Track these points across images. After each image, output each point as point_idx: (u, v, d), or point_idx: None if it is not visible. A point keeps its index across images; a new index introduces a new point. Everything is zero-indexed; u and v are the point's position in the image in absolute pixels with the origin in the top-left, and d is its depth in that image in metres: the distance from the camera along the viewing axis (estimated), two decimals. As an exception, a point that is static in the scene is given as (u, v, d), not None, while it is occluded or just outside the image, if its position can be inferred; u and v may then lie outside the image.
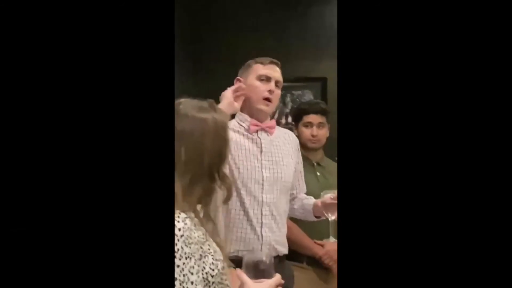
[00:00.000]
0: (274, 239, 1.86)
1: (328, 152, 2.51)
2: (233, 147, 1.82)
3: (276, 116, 3.38)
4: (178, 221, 1.11)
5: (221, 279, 1.17)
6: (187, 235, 1.10)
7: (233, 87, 1.85)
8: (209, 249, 1.17)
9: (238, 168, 1.82)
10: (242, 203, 1.82)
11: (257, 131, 1.90)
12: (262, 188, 1.85)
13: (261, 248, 1.82)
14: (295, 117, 2.46)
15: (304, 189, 2.09)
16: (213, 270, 1.15)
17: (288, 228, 2.25)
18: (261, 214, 1.84)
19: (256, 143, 1.90)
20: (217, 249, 1.22)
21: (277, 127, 2.02)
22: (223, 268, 1.18)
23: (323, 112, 2.40)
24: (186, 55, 3.25)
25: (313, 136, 2.36)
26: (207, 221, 1.24)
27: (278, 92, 1.93)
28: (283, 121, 3.39)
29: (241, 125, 1.91)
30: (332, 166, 2.43)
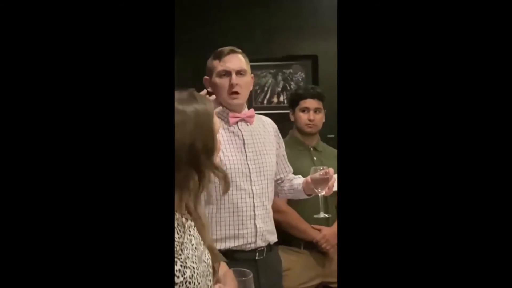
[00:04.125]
0: (266, 229, 1.87)
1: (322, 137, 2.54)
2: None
3: (268, 95, 3.38)
4: None
5: (187, 287, 1.14)
6: None
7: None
8: (180, 255, 1.14)
9: (225, 165, 1.79)
10: (232, 199, 1.80)
11: (237, 123, 1.88)
12: (251, 180, 1.83)
13: (256, 241, 1.83)
14: (291, 102, 2.46)
15: (291, 169, 2.08)
16: (178, 277, 1.12)
17: (286, 213, 2.29)
18: (254, 206, 1.83)
19: (238, 135, 1.87)
20: (199, 255, 1.20)
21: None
22: (191, 276, 1.15)
23: (319, 97, 2.40)
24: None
25: (310, 120, 2.37)
26: (194, 219, 1.23)
27: (243, 80, 1.86)
28: (275, 99, 3.38)
29: (221, 119, 1.86)
30: (328, 151, 2.45)
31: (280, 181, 2.04)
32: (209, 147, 1.20)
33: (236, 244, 1.79)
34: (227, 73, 1.84)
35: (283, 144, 2.04)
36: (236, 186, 1.79)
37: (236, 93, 1.83)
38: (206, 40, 3.30)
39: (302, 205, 2.21)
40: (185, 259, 1.15)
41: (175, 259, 1.13)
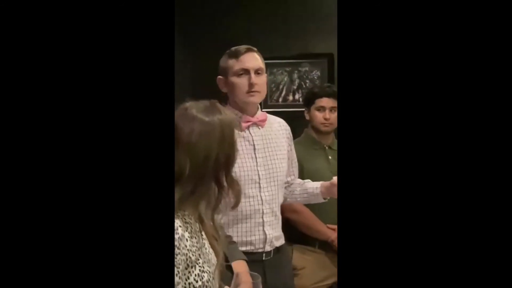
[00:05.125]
0: (275, 235, 1.85)
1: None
2: None
3: (283, 93, 3.36)
4: None
5: None
6: (176, 245, 1.08)
7: None
8: (198, 260, 1.15)
9: (234, 171, 1.76)
10: (241, 206, 1.71)
11: (248, 127, 1.85)
12: (260, 187, 1.81)
13: (264, 247, 1.82)
14: (307, 101, 2.45)
15: (297, 173, 2.05)
16: (196, 281, 1.13)
17: (301, 212, 2.28)
18: (262, 213, 1.81)
19: (249, 140, 1.84)
20: (210, 258, 1.20)
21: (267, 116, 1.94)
22: (208, 280, 1.16)
23: (335, 96, 2.39)
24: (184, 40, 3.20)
25: (325, 119, 2.36)
26: (213, 228, 1.24)
27: (261, 79, 1.82)
28: (290, 97, 3.37)
29: None
30: (343, 150, 2.44)
31: (288, 184, 2.00)
32: (231, 159, 1.21)
33: (244, 249, 1.78)
34: (246, 72, 1.80)
35: (293, 147, 2.01)
36: (245, 193, 1.76)
37: (256, 91, 1.80)
38: (219, 39, 3.30)
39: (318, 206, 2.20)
40: (203, 263, 1.16)
41: (194, 264, 1.13)
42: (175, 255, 1.08)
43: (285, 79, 3.37)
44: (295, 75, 3.36)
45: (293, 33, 3.35)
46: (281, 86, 3.35)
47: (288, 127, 2.00)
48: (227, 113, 1.23)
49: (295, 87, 3.36)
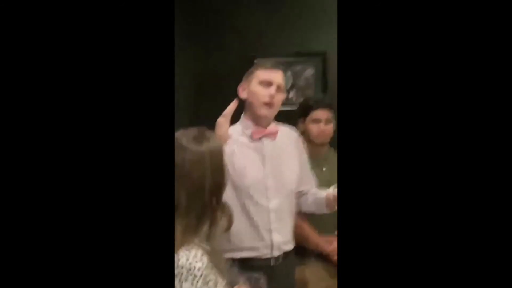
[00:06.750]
0: (283, 240, 1.93)
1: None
2: (237, 156, 1.83)
3: (276, 92, 3.35)
4: (197, 261, 1.13)
5: None
6: (205, 274, 1.13)
7: (226, 112, 1.76)
8: (217, 278, 1.19)
9: (243, 181, 1.85)
10: (249, 213, 1.86)
11: (259, 138, 1.92)
12: (267, 196, 1.89)
13: (271, 252, 1.89)
14: (302, 113, 2.44)
15: (314, 181, 2.10)
16: None
17: (298, 225, 2.30)
18: (269, 220, 1.89)
19: (258, 151, 1.92)
20: (218, 277, 1.24)
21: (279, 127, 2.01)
22: None
23: (330, 107, 2.39)
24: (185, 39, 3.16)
25: (321, 131, 2.36)
26: (213, 251, 1.26)
27: (279, 96, 1.92)
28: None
29: (244, 132, 1.92)
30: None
31: (303, 193, 2.05)
32: (222, 186, 1.25)
33: (252, 255, 1.86)
34: (269, 84, 1.88)
35: (305, 155, 2.07)
36: (253, 201, 1.85)
37: (270, 104, 1.87)
38: (212, 37, 3.27)
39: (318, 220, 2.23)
40: (222, 280, 1.20)
41: (216, 283, 1.17)
42: (207, 283, 1.13)
43: (279, 78, 3.35)
44: (289, 73, 3.34)
45: (287, 31, 3.31)
46: (274, 85, 3.34)
47: (298, 137, 2.08)
48: (215, 140, 1.27)
49: (288, 86, 3.34)
